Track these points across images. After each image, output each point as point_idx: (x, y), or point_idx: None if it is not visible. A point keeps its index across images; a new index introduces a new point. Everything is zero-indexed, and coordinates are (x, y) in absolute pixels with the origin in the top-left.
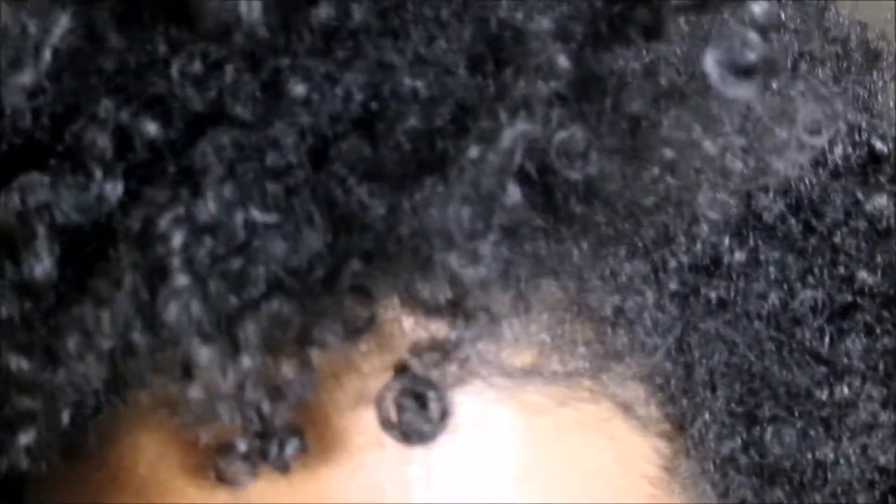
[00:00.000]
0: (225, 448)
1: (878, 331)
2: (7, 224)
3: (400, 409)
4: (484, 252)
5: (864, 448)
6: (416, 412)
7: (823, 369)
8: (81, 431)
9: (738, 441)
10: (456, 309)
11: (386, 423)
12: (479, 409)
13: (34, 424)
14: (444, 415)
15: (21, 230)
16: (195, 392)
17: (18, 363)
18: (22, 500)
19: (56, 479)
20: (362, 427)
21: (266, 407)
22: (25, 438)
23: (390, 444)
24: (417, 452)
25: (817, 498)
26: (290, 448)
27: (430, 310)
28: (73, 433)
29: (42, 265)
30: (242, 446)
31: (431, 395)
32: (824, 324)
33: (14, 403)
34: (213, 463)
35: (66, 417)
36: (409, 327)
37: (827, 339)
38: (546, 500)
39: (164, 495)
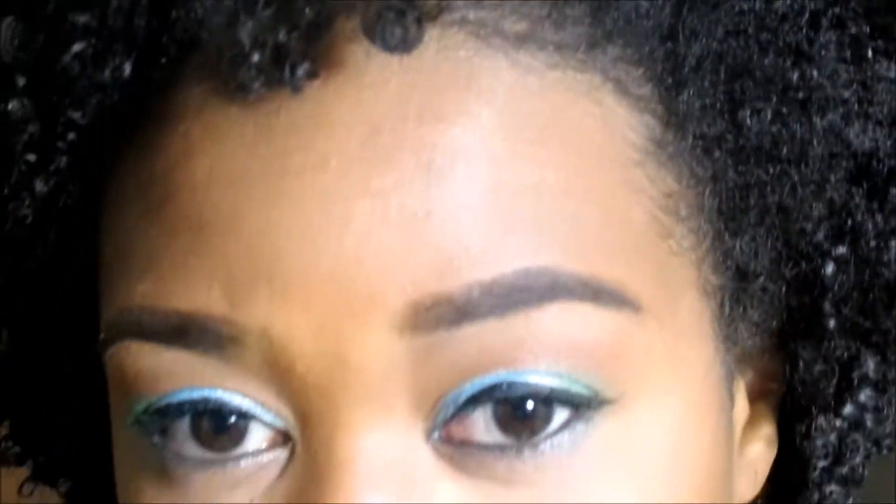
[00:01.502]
0: (241, 58)
1: (848, 23)
2: None
3: (380, 17)
4: None
5: (832, 124)
6: (394, 20)
7: (800, 58)
8: (146, 105)
9: (722, 123)
10: None
11: (368, 30)
12: (474, 59)
13: (87, 36)
14: (420, 24)
15: None
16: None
17: None
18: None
19: (124, 154)
20: (370, 61)
21: (282, 34)
22: (78, 46)
23: (393, 85)
24: (416, 93)
25: (795, 175)
26: (301, 70)
27: None
28: (139, 106)
29: None
30: (256, 57)
31: (409, 9)
32: (803, 23)
33: (69, 17)
34: (232, 74)
35: (127, 67)
36: None
37: (804, 33)
38: (527, 147)
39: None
